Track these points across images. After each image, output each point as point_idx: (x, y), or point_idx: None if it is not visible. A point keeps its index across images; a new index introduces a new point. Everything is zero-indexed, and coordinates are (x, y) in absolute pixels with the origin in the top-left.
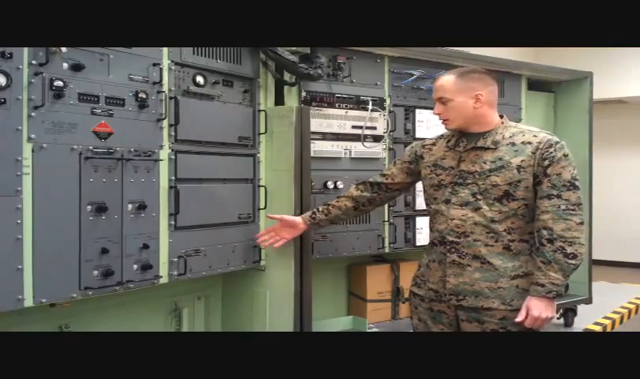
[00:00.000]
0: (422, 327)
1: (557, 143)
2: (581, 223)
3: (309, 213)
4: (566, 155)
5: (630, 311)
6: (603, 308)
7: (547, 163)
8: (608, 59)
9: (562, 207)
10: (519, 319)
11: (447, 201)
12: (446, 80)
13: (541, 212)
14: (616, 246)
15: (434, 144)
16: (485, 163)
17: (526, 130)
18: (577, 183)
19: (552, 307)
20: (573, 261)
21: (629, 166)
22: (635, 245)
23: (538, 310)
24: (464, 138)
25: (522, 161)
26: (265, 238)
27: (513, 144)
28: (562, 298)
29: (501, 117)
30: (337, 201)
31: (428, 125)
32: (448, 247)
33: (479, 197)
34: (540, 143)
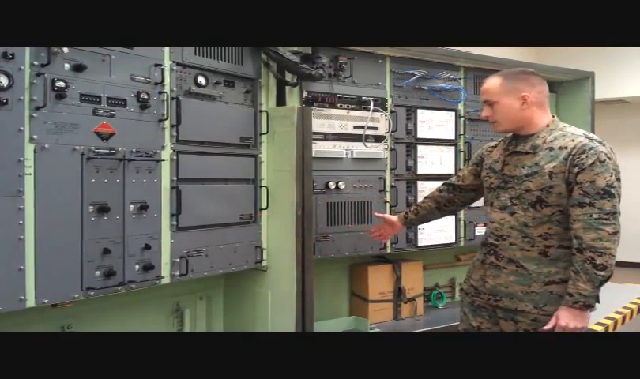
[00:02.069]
0: (465, 319)
1: (591, 149)
2: (615, 233)
3: (402, 213)
4: (602, 162)
5: (632, 311)
6: (605, 308)
7: (577, 169)
8: (609, 59)
9: (595, 215)
10: (547, 327)
11: (491, 204)
12: (493, 82)
13: (573, 220)
14: (619, 246)
15: (495, 147)
16: (524, 167)
17: (568, 133)
18: (613, 191)
19: (583, 317)
20: (602, 273)
21: (631, 166)
22: (638, 245)
23: (565, 320)
24: (514, 141)
25: (554, 167)
26: (376, 234)
27: (551, 148)
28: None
29: (552, 117)
30: (423, 202)
31: (430, 125)
32: (488, 248)
33: (515, 201)
34: (573, 148)
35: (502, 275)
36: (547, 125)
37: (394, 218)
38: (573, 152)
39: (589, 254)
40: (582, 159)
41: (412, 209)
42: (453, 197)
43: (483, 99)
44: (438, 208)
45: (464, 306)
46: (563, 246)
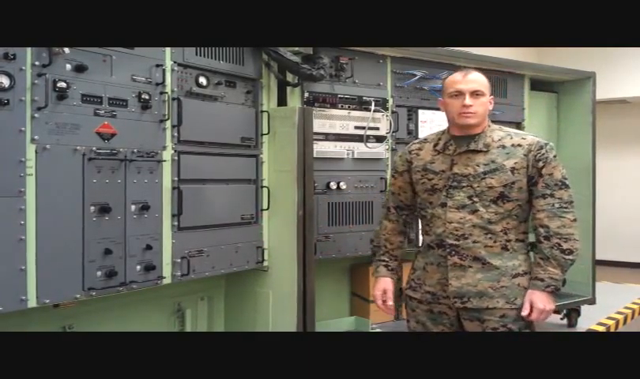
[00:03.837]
0: (420, 329)
1: (547, 144)
2: (575, 220)
3: (385, 271)
4: (555, 156)
5: (633, 312)
6: (606, 308)
7: (541, 164)
8: (610, 59)
9: (557, 205)
10: (524, 313)
11: (443, 205)
12: (481, 76)
13: (537, 210)
14: (620, 246)
15: (420, 149)
16: (478, 165)
17: (512, 133)
18: (567, 182)
19: (552, 300)
20: (569, 257)
21: (632, 165)
22: (638, 245)
23: (542, 303)
24: (453, 141)
25: (515, 163)
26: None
27: (503, 146)
28: (566, 298)
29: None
30: (391, 244)
31: (431, 125)
32: (448, 250)
33: (475, 199)
34: (530, 145)
35: (468, 274)
36: (489, 126)
37: (390, 286)
38: (532, 149)
39: (556, 241)
40: (543, 153)
41: (390, 259)
42: (408, 217)
43: (474, 89)
44: (405, 237)
45: (419, 315)
46: (519, 239)
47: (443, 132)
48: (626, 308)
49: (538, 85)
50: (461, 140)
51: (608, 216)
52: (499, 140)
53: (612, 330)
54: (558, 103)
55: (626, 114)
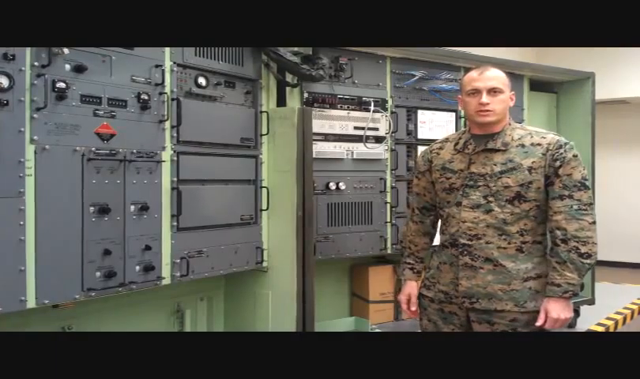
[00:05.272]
0: (431, 327)
1: (566, 144)
2: (594, 223)
3: (411, 274)
4: (575, 156)
5: (632, 312)
6: (606, 309)
7: (558, 163)
8: (610, 59)
9: (575, 207)
10: (539, 323)
11: (458, 204)
12: (499, 72)
13: (554, 212)
14: (619, 247)
15: (441, 148)
16: (496, 165)
17: (533, 131)
18: (587, 183)
19: (570, 307)
20: (587, 261)
21: (632, 166)
22: (638, 246)
23: (557, 312)
24: (472, 140)
25: (533, 162)
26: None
27: (522, 145)
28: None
29: None
30: (416, 245)
31: (430, 126)
32: (460, 250)
33: (490, 199)
34: (549, 144)
35: (479, 275)
36: (509, 124)
37: (415, 291)
38: (550, 148)
39: (574, 244)
40: (562, 153)
41: (413, 261)
42: (434, 217)
43: (491, 86)
44: (432, 238)
45: (431, 314)
46: (536, 242)
47: (464, 131)
48: (626, 308)
49: (537, 85)
50: (480, 138)
51: (608, 216)
52: (519, 139)
53: (612, 330)
54: (557, 104)
55: (626, 114)
